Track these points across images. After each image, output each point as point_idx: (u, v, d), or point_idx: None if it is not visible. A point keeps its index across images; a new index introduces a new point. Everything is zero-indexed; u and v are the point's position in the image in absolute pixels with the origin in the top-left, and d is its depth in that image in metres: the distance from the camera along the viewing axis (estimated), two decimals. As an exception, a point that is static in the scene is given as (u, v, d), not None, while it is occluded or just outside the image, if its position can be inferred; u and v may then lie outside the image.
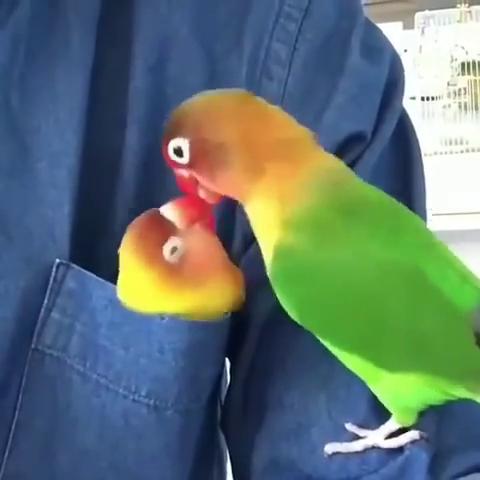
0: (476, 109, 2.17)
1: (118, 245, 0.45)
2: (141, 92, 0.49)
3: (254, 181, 0.43)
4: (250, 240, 0.49)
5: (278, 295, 0.42)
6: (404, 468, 0.43)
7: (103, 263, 0.47)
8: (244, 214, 0.45)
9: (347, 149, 0.49)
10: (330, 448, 0.45)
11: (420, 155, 0.53)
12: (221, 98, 0.44)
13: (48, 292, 0.46)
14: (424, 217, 0.51)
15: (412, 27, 2.19)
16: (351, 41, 0.50)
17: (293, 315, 0.42)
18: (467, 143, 2.17)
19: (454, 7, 2.18)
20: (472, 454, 0.44)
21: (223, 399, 0.52)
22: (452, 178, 2.07)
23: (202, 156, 0.43)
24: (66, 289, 0.46)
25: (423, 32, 2.17)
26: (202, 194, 0.45)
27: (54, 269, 0.46)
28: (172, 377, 0.46)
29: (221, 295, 0.46)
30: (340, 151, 0.48)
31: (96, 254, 0.48)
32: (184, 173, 0.45)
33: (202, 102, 0.44)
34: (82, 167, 0.47)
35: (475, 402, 0.41)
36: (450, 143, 2.17)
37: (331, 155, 0.44)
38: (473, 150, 2.16)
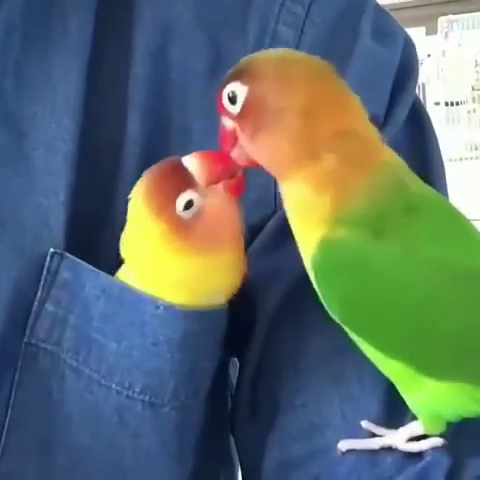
0: (502, 114, 2.16)
1: (119, 237, 0.43)
2: (142, 78, 0.48)
3: (302, 163, 0.39)
4: (255, 232, 0.47)
5: (318, 288, 0.39)
6: (424, 474, 0.41)
7: (103, 255, 0.45)
8: (248, 208, 0.43)
9: None
10: (345, 445, 0.42)
11: (436, 139, 0.52)
12: (301, 61, 0.40)
13: (42, 283, 0.45)
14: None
15: (435, 32, 2.19)
16: (361, 25, 0.50)
17: (333, 311, 0.39)
18: (493, 149, 2.15)
19: (478, 11, 2.17)
20: None
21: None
22: (478, 184, 2.05)
23: (254, 111, 0.40)
24: (61, 280, 0.45)
25: (446, 36, 2.16)
26: (236, 153, 0.41)
27: (48, 259, 0.45)
28: (168, 371, 0.44)
29: (226, 268, 0.43)
30: None
31: (95, 245, 0.46)
32: (229, 124, 0.41)
33: (279, 56, 0.41)
34: (80, 154, 0.46)
35: None
36: (476, 148, 2.15)
37: (394, 154, 0.41)
38: (499, 156, 2.14)
